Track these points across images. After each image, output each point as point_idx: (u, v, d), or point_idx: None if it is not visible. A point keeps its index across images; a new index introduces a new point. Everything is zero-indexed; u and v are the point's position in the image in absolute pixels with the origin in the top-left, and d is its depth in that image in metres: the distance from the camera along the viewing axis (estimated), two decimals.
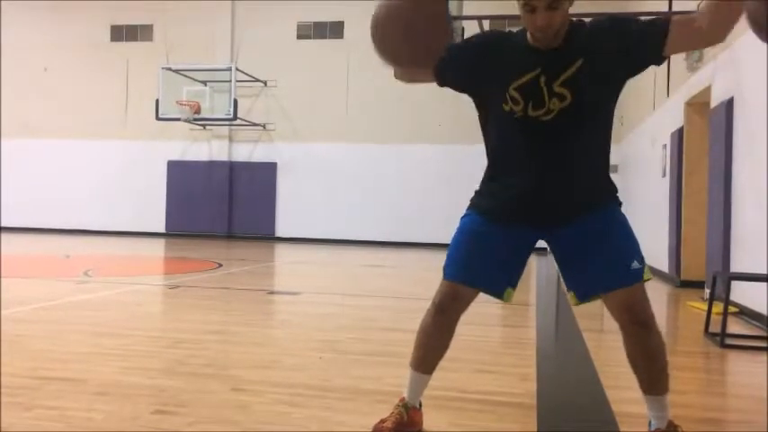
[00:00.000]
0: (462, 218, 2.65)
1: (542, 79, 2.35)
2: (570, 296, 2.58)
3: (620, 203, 2.56)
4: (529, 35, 2.39)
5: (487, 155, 2.59)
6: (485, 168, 2.61)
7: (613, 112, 2.49)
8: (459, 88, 2.58)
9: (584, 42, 2.36)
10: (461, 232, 2.60)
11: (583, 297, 2.54)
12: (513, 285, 2.59)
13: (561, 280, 2.65)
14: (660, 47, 2.31)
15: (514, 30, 2.51)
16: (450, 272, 2.56)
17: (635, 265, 2.43)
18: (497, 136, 2.52)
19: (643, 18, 2.40)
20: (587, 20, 2.46)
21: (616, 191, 2.56)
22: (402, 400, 2.69)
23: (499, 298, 2.59)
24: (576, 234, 2.48)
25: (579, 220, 2.47)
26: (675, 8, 9.26)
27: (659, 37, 2.30)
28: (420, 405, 2.73)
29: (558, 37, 2.35)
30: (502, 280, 2.57)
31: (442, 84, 2.56)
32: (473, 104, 2.60)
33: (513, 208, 2.51)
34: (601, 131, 2.48)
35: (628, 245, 2.47)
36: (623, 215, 2.55)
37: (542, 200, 2.46)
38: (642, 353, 2.49)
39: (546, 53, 2.36)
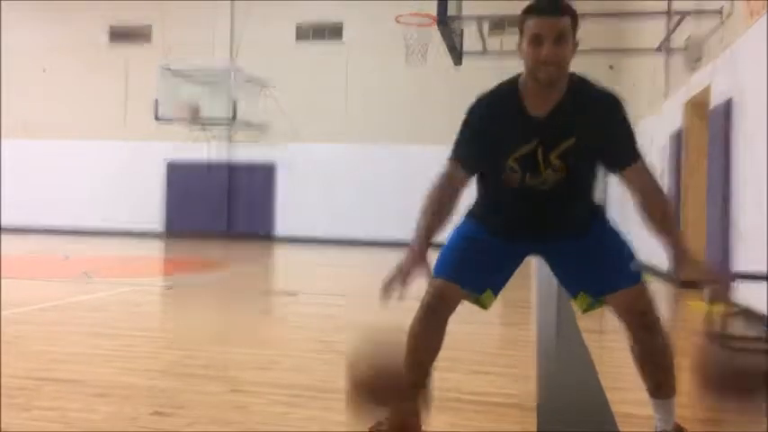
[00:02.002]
0: (459, 225, 2.65)
1: (539, 150, 2.35)
2: (579, 300, 2.57)
3: (607, 221, 2.61)
4: (526, 77, 2.34)
5: (477, 190, 2.62)
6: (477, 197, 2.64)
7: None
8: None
9: (579, 113, 2.34)
10: (454, 236, 2.61)
11: (595, 296, 2.52)
12: (495, 292, 2.60)
13: (560, 284, 2.67)
14: (619, 167, 2.39)
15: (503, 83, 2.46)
16: (438, 270, 2.53)
17: (633, 266, 2.47)
18: (493, 196, 2.56)
19: (631, 135, 2.41)
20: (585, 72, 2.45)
21: (603, 211, 2.62)
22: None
23: (480, 305, 2.61)
24: (572, 244, 2.52)
25: (568, 237, 2.53)
26: (675, 8, 9.26)
27: (624, 162, 2.38)
28: (418, 414, 2.60)
29: (560, 81, 2.31)
30: (485, 284, 2.58)
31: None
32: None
33: (507, 230, 2.56)
34: (590, 186, 2.54)
35: (623, 248, 2.52)
36: (613, 224, 2.60)
37: (535, 227, 2.53)
38: (649, 354, 2.46)
39: (543, 121, 2.34)
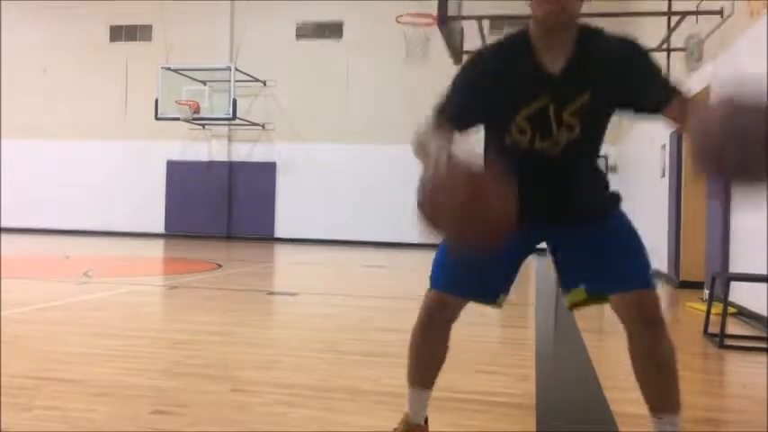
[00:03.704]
0: None
1: (552, 107, 2.18)
2: (573, 294, 2.36)
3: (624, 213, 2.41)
4: (534, 32, 2.18)
5: (484, 156, 2.39)
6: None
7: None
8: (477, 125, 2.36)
9: (598, 65, 2.17)
10: None
11: (596, 292, 2.33)
12: (506, 292, 2.44)
13: (558, 279, 2.50)
14: (657, 108, 2.21)
15: (512, 29, 2.29)
16: (437, 281, 2.37)
17: (645, 270, 2.28)
18: (495, 154, 2.32)
19: (657, 66, 2.22)
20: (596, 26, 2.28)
21: (620, 198, 2.42)
22: (406, 416, 2.51)
23: (491, 306, 2.45)
24: (581, 233, 2.32)
25: (584, 222, 2.33)
26: (675, 8, 9.26)
27: (663, 98, 2.18)
28: (426, 421, 2.53)
29: (569, 27, 2.15)
30: (493, 289, 2.42)
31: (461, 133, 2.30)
32: None
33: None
34: (598, 147, 2.37)
35: (638, 248, 2.32)
36: (629, 220, 2.40)
37: (545, 207, 2.31)
38: (650, 360, 2.25)
39: (555, 75, 2.17)
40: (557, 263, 2.45)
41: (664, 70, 2.24)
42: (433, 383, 2.50)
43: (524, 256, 2.46)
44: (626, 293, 2.25)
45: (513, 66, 2.19)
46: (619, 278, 2.26)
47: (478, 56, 2.29)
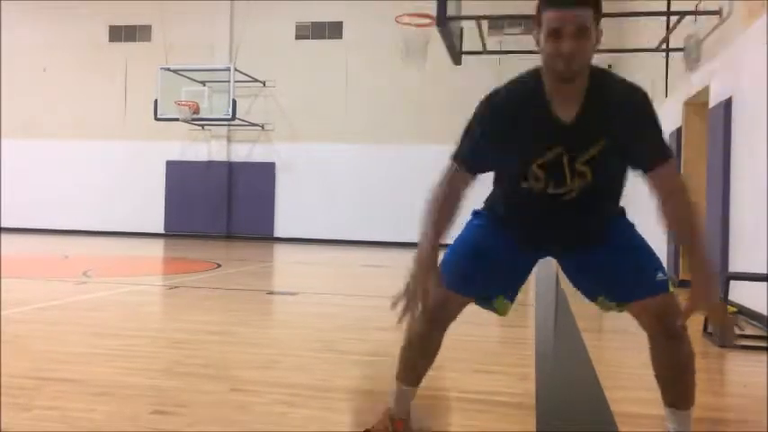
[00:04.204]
0: (470, 222, 2.51)
1: (565, 158, 2.18)
2: (600, 303, 2.43)
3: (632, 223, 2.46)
4: (546, 79, 2.17)
5: (495, 189, 2.46)
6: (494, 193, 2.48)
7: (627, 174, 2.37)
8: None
9: (611, 116, 2.16)
10: (464, 242, 2.46)
11: (616, 302, 2.39)
12: (511, 299, 2.49)
13: (573, 286, 2.54)
14: (648, 167, 2.23)
15: (525, 75, 2.27)
16: (444, 280, 2.38)
17: (660, 276, 2.31)
18: (510, 197, 2.39)
19: (659, 132, 2.25)
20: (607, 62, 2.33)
21: (624, 212, 2.47)
22: (387, 411, 2.57)
23: (493, 311, 2.49)
24: (590, 249, 2.37)
25: (592, 243, 2.38)
26: (674, 8, 9.26)
27: (655, 158, 2.21)
28: (408, 416, 2.59)
29: (581, 76, 2.14)
30: (498, 293, 2.46)
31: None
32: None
33: (525, 238, 2.41)
34: (617, 192, 2.39)
35: (650, 255, 2.36)
36: (633, 227, 2.44)
37: (552, 243, 2.40)
38: (672, 365, 2.31)
39: (569, 126, 2.17)
40: (570, 279, 2.52)
41: (660, 127, 2.25)
42: (419, 382, 2.55)
43: (531, 268, 2.52)
44: (641, 303, 2.30)
45: (527, 115, 2.19)
46: (632, 287, 2.31)
47: (492, 102, 2.25)
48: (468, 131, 2.29)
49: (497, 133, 2.22)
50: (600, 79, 2.19)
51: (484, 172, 2.33)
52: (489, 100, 2.26)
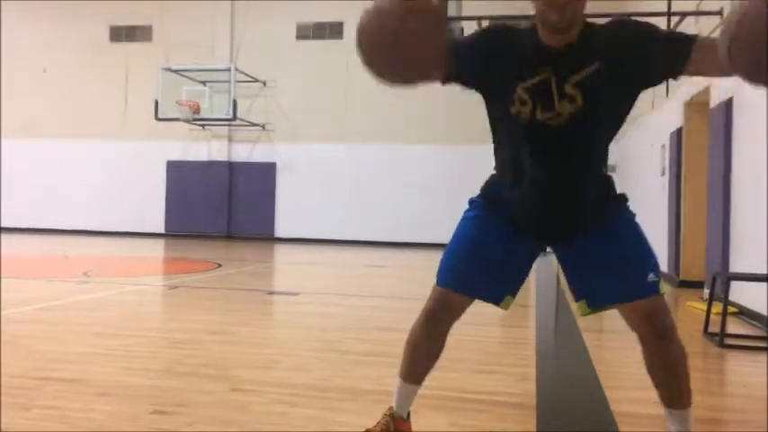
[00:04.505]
0: (466, 213, 2.49)
1: (553, 80, 2.17)
2: (579, 305, 2.42)
3: (633, 214, 2.42)
4: (540, 30, 2.17)
5: (494, 153, 2.44)
6: (495, 164, 2.46)
7: (621, 125, 2.32)
8: (465, 85, 2.38)
9: (603, 44, 2.16)
10: (462, 237, 2.44)
11: (594, 306, 2.38)
12: (513, 294, 2.46)
13: (567, 285, 2.52)
14: (682, 64, 2.11)
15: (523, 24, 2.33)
16: (444, 279, 2.38)
17: (651, 277, 2.28)
18: (503, 140, 2.37)
19: (666, 30, 2.21)
20: (603, 21, 2.27)
21: (626, 199, 2.43)
22: (390, 409, 2.55)
23: (497, 305, 2.47)
24: (587, 242, 2.34)
25: (591, 229, 2.34)
26: (675, 8, 9.26)
27: (683, 54, 2.10)
28: (408, 415, 2.58)
29: (573, 32, 2.15)
30: (501, 290, 2.44)
31: (445, 83, 2.38)
32: (474, 105, 2.47)
33: (519, 221, 2.38)
34: (606, 142, 2.33)
35: (644, 255, 2.33)
36: (638, 225, 2.40)
37: (549, 218, 2.35)
38: (663, 366, 2.33)
39: (558, 51, 2.16)
40: (564, 274, 2.49)
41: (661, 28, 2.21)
42: (422, 380, 2.54)
43: (532, 260, 2.49)
44: (630, 304, 2.30)
45: (519, 41, 2.22)
46: (621, 289, 2.30)
47: (492, 24, 2.35)
48: (465, 38, 2.37)
49: (486, 53, 2.25)
50: (593, 27, 2.20)
51: (466, 81, 2.32)
52: (487, 27, 2.35)
